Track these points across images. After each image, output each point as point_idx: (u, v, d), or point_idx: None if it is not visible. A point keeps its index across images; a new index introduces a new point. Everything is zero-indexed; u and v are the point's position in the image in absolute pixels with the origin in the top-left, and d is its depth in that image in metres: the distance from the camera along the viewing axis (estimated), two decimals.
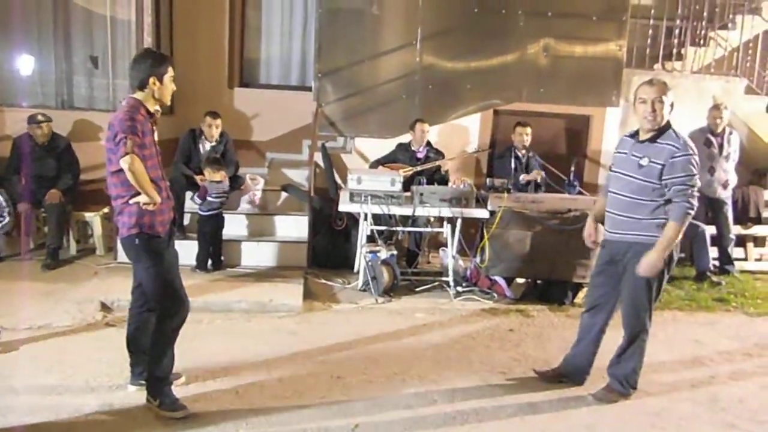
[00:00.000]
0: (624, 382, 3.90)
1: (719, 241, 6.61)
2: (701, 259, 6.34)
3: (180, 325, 3.53)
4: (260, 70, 8.33)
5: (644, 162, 3.63)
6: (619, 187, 3.76)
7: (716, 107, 6.49)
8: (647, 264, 3.59)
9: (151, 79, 3.39)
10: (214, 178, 5.87)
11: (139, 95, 3.41)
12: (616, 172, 3.81)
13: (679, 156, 3.53)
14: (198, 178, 6.03)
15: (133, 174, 3.26)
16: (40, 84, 6.94)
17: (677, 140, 3.58)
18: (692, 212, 3.54)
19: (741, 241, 6.96)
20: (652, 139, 3.64)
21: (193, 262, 5.80)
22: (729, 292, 6.11)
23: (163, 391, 3.50)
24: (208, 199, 5.83)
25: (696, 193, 3.55)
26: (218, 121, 6.26)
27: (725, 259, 6.64)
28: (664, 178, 3.56)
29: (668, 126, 3.65)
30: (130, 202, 3.35)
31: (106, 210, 6.24)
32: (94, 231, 6.32)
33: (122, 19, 6.82)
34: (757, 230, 7.07)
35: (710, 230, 6.48)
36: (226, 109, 7.32)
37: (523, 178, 6.48)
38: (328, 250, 6.36)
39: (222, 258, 6.00)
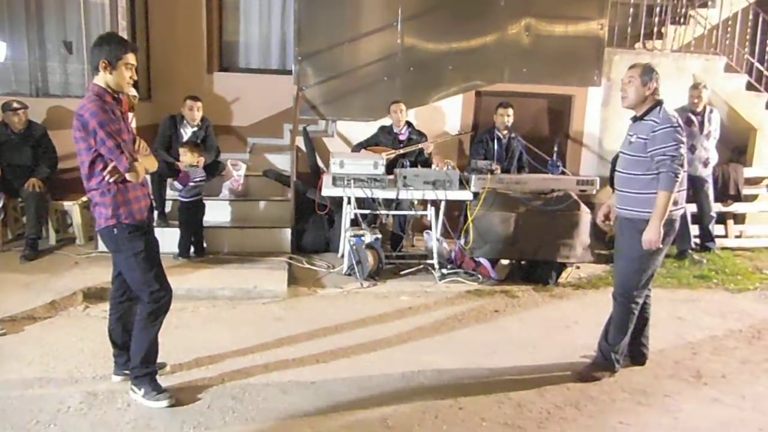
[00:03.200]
0: (610, 357, 3.96)
1: (700, 218, 6.68)
2: (682, 237, 6.39)
3: (164, 313, 3.49)
4: (239, 54, 8.22)
5: (633, 139, 3.82)
6: (620, 166, 3.94)
7: (695, 86, 6.51)
8: (645, 238, 3.71)
9: (102, 63, 3.25)
10: (192, 162, 5.79)
11: (101, 80, 3.29)
12: (620, 151, 3.98)
13: (659, 129, 3.68)
14: (182, 165, 5.96)
15: (142, 174, 3.33)
16: (14, 71, 6.78)
17: (658, 115, 3.73)
18: (678, 179, 3.64)
19: (721, 219, 7.04)
20: (641, 117, 3.81)
21: (175, 250, 5.75)
22: (710, 270, 6.19)
23: (147, 381, 3.47)
24: (190, 184, 5.75)
25: (680, 162, 3.64)
26: (199, 104, 6.18)
27: (706, 237, 6.72)
28: (647, 150, 3.70)
29: (657, 104, 3.78)
30: (108, 179, 3.27)
31: (84, 199, 6.15)
32: (73, 220, 6.23)
33: (96, 1, 6.67)
34: (737, 207, 7.15)
35: (691, 208, 6.53)
36: (206, 93, 7.23)
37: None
38: (312, 235, 6.33)
39: (204, 245, 5.94)
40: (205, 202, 5.97)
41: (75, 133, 3.25)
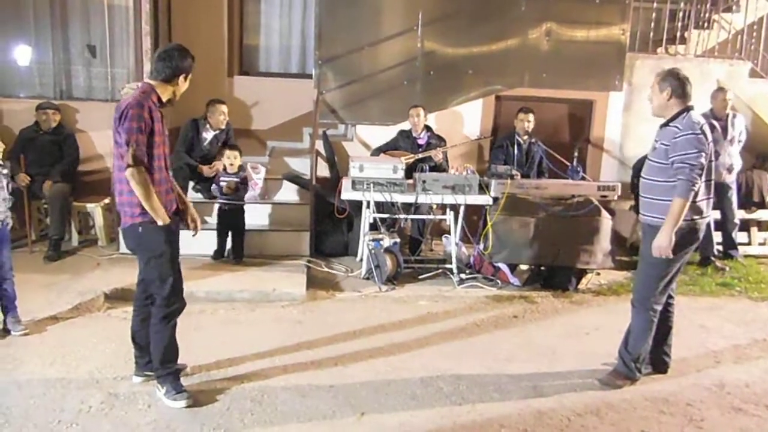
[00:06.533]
0: (631, 365, 3.91)
1: (723, 225, 6.58)
2: (705, 244, 6.29)
3: (176, 316, 3.52)
4: (260, 58, 8.29)
5: (657, 145, 3.79)
6: (644, 172, 3.91)
7: (722, 90, 6.42)
8: (656, 244, 3.68)
9: (182, 77, 3.42)
10: (235, 163, 5.93)
11: (156, 83, 3.38)
12: (647, 157, 3.95)
13: (680, 135, 3.64)
14: (206, 168, 6.01)
15: (139, 186, 3.24)
16: (38, 74, 6.89)
17: (681, 121, 3.69)
18: (695, 188, 3.60)
19: (745, 226, 6.94)
20: (667, 123, 3.78)
21: (195, 252, 5.72)
22: (733, 277, 6.10)
23: (170, 380, 3.50)
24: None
25: (699, 171, 3.60)
26: (226, 108, 6.23)
27: (729, 244, 6.62)
28: (669, 157, 3.67)
29: (684, 110, 3.74)
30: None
31: (107, 200, 6.23)
32: (95, 222, 6.30)
33: (119, 5, 6.75)
34: (761, 215, 7.04)
35: (714, 215, 6.42)
36: (226, 97, 7.25)
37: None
38: (331, 239, 6.34)
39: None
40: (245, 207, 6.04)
41: (114, 123, 3.29)
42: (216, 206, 6.03)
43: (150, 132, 3.28)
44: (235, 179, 5.89)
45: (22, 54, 6.86)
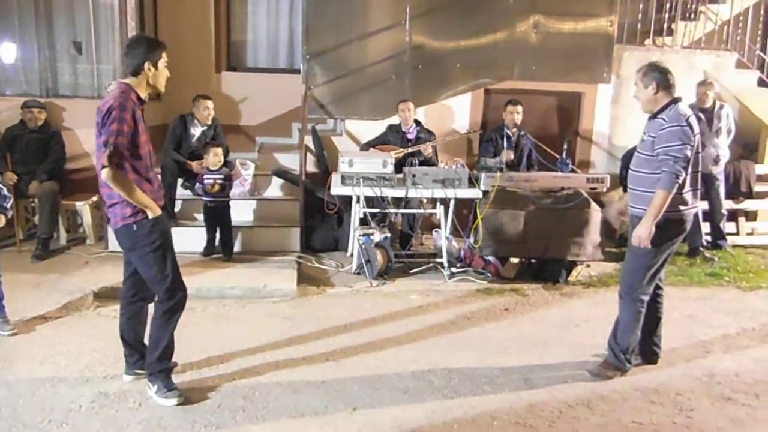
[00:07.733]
0: (620, 356, 3.93)
1: (711, 216, 6.62)
2: (693, 235, 6.33)
3: (179, 310, 3.49)
4: (247, 53, 8.23)
5: (645, 137, 3.81)
6: (633, 164, 3.92)
7: (702, 83, 6.47)
8: (636, 233, 3.73)
9: (147, 65, 3.33)
10: (217, 163, 5.86)
11: (131, 80, 3.34)
12: (636, 149, 3.97)
13: (665, 128, 3.66)
14: (194, 164, 5.97)
15: (118, 186, 3.20)
16: (24, 72, 6.82)
17: (668, 113, 3.70)
18: (679, 180, 3.62)
19: (733, 216, 6.99)
20: (654, 115, 3.79)
21: (185, 249, 5.70)
22: (721, 267, 6.14)
23: (162, 378, 3.48)
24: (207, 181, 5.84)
25: (684, 163, 3.61)
26: (211, 103, 6.19)
27: (717, 234, 6.66)
28: (654, 149, 3.68)
29: (672, 102, 3.75)
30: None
31: (95, 198, 6.18)
32: (83, 220, 6.25)
33: (105, 2, 6.68)
34: (749, 205, 7.09)
35: (702, 206, 6.48)
36: (214, 93, 7.21)
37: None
38: (321, 234, 6.33)
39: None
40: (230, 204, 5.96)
41: (97, 128, 3.25)
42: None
43: (134, 132, 3.24)
44: (219, 178, 5.83)
45: (7, 51, 6.79)
